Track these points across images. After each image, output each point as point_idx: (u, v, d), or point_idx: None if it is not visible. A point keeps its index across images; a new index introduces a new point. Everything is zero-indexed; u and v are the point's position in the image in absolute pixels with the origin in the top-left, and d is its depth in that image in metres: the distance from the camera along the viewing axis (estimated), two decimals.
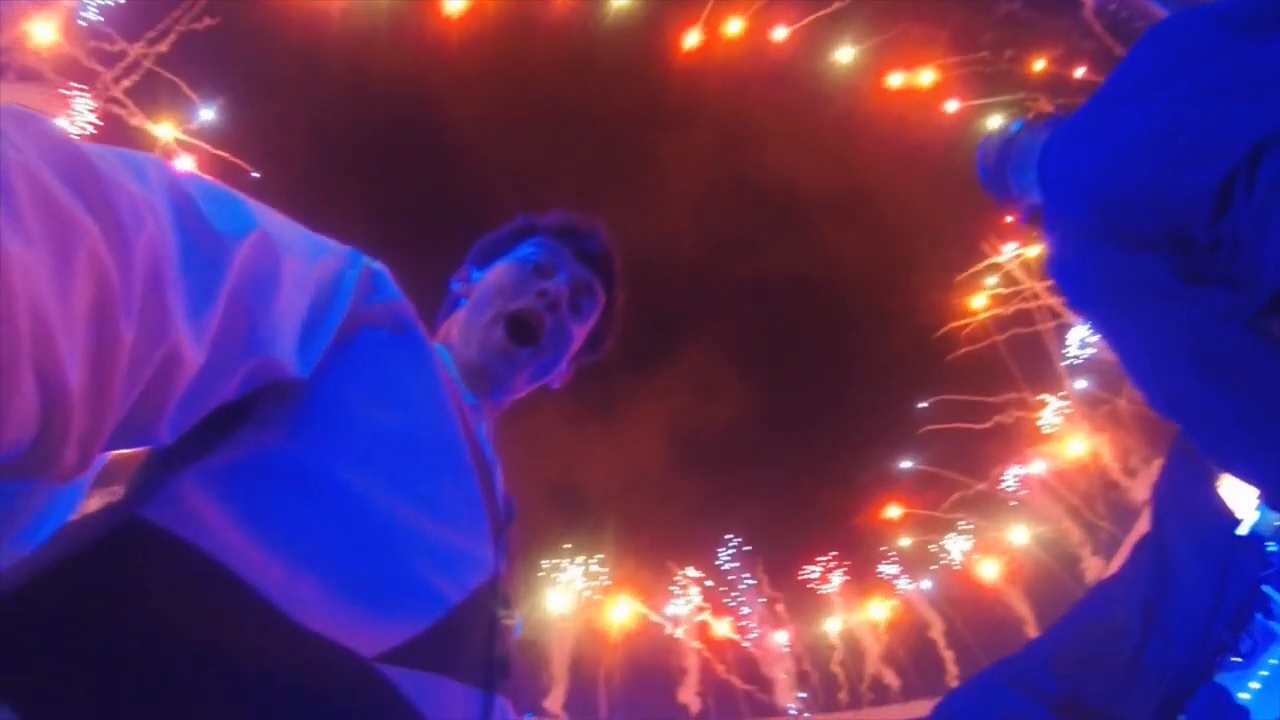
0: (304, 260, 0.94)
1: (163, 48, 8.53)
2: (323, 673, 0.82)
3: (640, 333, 10.41)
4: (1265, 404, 1.49)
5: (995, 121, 10.38)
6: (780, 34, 10.34)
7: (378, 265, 1.09)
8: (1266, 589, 2.77)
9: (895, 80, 10.68)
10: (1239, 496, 2.63)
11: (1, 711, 0.61)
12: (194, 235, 0.75)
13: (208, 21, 8.69)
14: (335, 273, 1.01)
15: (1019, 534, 11.84)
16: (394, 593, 0.90)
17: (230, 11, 8.80)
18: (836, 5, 10.18)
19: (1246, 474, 1.61)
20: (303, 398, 0.96)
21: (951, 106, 10.65)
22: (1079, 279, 1.87)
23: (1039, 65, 10.05)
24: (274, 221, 0.90)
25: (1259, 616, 2.83)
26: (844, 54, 10.59)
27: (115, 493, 0.87)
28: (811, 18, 10.29)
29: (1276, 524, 2.70)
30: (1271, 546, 2.65)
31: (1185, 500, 2.62)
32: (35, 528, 1.32)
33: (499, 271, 1.56)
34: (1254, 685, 3.32)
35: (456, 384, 1.28)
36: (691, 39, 10.44)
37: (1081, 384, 11.38)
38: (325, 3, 9.39)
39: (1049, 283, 10.72)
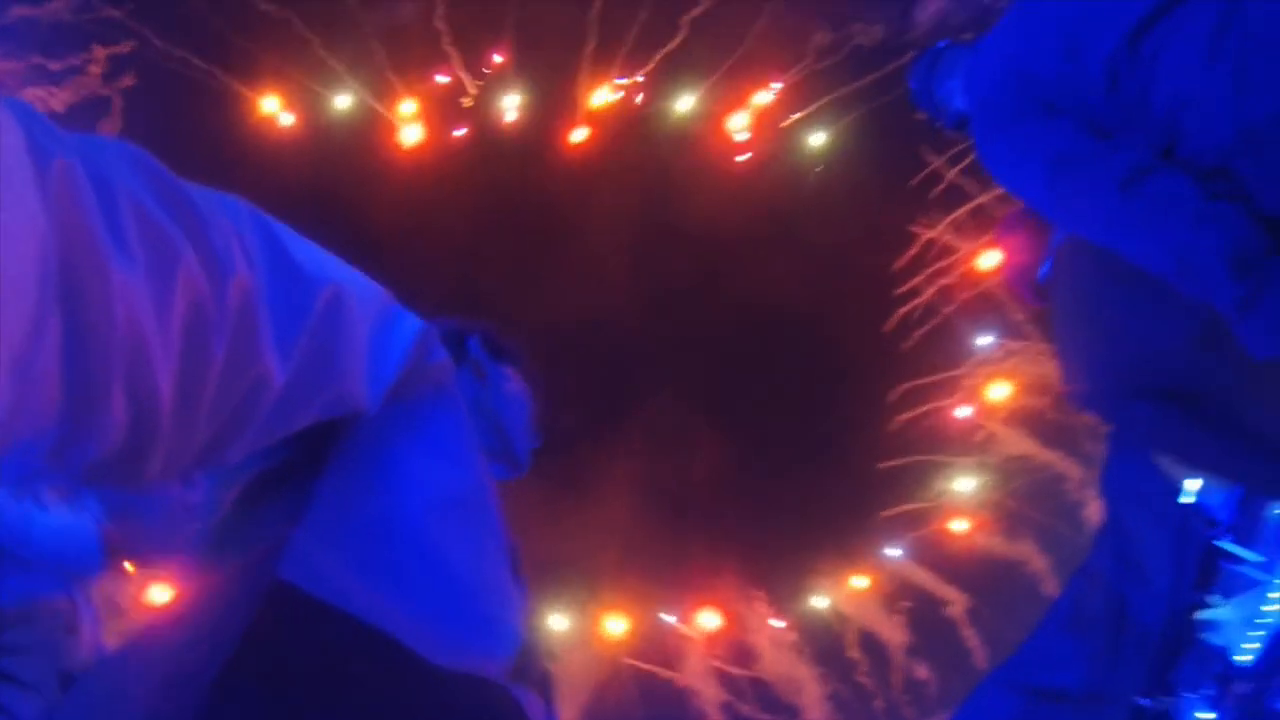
0: (374, 308, 1.03)
1: None
2: (479, 704, 0.97)
3: (596, 399, 10.70)
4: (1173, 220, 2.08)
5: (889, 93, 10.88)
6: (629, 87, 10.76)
7: (427, 324, 1.17)
8: (1220, 544, 3.01)
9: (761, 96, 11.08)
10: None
11: None
12: (282, 273, 0.81)
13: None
14: (398, 322, 1.09)
15: (1014, 491, 12.03)
16: (491, 629, 1.07)
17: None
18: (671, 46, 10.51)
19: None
20: (376, 451, 1.06)
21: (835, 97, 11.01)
22: (1009, 153, 2.43)
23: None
24: (347, 269, 0.99)
25: (1224, 567, 3.05)
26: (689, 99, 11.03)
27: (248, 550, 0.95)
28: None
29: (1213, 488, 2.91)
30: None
31: (1132, 486, 2.89)
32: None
33: (523, 399, 1.95)
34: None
35: None
36: (578, 133, 10.83)
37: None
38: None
39: (987, 238, 11.10)
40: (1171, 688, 2.86)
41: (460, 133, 10.92)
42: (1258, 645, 3.03)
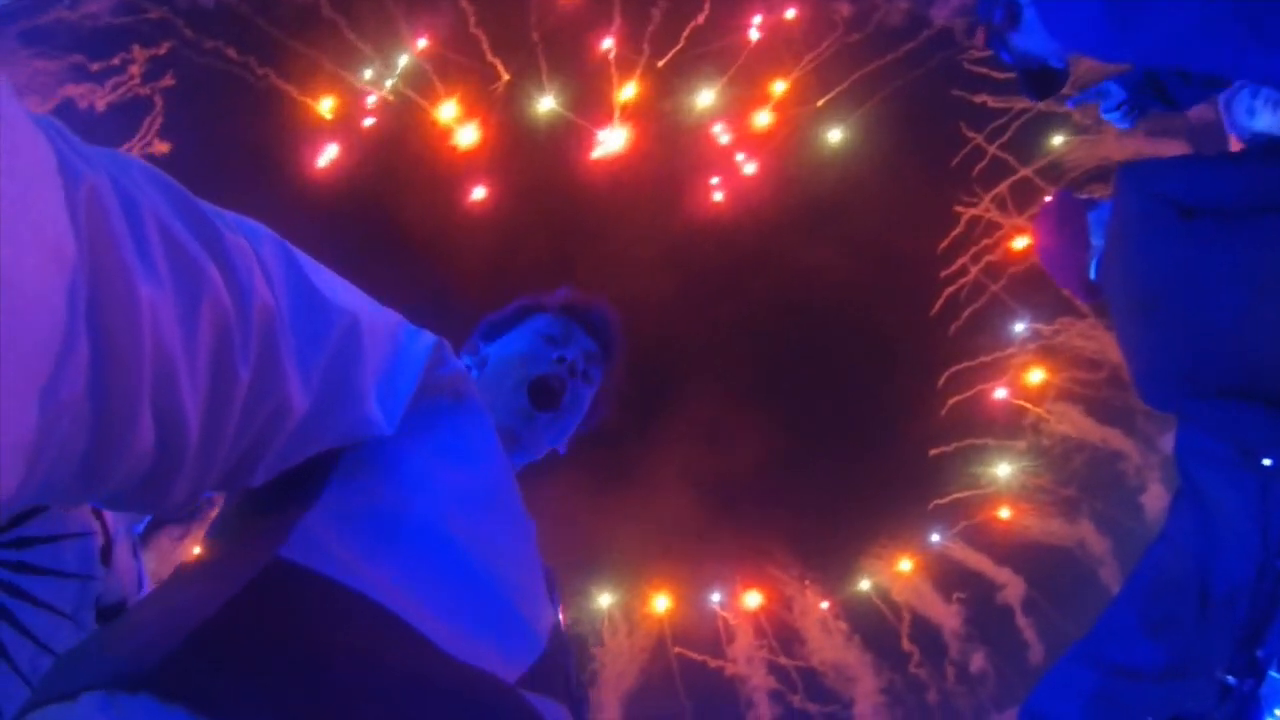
0: (389, 330, 1.04)
1: None
2: (481, 698, 0.90)
3: (641, 393, 10.53)
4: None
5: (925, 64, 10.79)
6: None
7: (439, 338, 1.18)
8: None
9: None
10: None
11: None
12: (303, 299, 0.81)
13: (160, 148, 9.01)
14: (410, 343, 1.10)
15: (1069, 474, 11.80)
16: (508, 628, 1.02)
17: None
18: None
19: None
20: (386, 456, 1.03)
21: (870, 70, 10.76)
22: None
23: None
24: (363, 296, 1.00)
25: None
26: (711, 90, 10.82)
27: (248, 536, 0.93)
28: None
29: None
30: None
31: (1206, 451, 2.76)
32: None
33: (515, 341, 1.81)
34: None
35: None
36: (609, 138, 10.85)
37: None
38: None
39: (1030, 212, 10.87)
40: (1260, 667, 2.75)
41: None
42: None
